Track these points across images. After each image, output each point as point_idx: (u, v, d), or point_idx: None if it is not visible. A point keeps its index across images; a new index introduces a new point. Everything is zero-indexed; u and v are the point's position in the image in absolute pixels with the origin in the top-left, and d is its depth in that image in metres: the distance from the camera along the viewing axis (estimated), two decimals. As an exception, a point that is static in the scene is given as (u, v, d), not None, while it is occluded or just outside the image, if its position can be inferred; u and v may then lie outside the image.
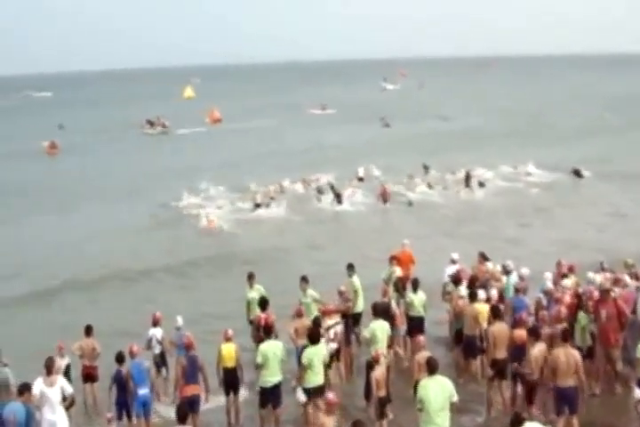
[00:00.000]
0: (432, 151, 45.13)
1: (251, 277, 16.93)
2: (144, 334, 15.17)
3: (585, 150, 45.16)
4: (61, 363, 13.63)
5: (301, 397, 12.97)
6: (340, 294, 15.94)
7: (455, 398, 10.88)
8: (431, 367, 11.03)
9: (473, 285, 15.93)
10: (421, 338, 13.22)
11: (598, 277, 15.38)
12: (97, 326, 15.10)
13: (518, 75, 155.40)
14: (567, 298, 14.55)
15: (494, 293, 15.76)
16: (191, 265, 25.40)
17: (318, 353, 12.99)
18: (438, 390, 10.82)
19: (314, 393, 12.73)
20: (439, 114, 71.22)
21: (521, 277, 16.10)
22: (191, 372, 12.84)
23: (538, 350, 12.49)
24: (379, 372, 12.42)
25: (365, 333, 14.37)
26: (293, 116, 75.72)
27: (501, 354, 13.33)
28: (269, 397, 13.13)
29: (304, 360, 12.89)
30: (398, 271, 17.85)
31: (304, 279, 16.36)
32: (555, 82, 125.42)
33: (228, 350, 13.44)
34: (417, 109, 77.45)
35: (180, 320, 14.96)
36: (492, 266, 17.36)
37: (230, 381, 13.52)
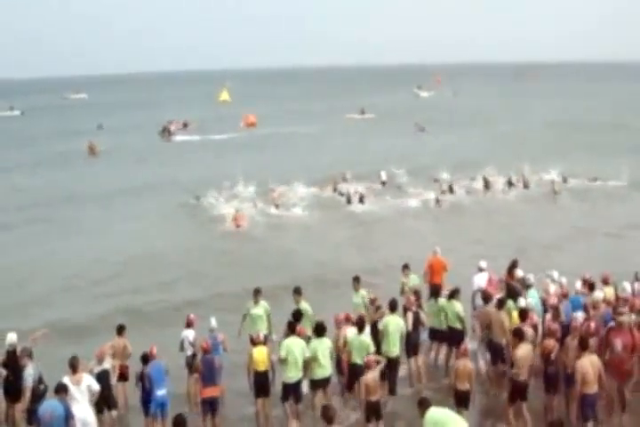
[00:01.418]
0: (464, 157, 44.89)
1: (257, 293, 15.97)
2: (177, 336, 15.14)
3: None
4: (100, 368, 13.32)
5: (305, 388, 13.59)
6: (372, 302, 15.74)
7: None
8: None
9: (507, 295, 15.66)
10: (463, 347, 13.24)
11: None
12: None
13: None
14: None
15: (524, 303, 15.15)
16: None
17: (322, 346, 13.29)
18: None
19: (319, 385, 13.37)
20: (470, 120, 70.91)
21: (561, 286, 16.01)
22: (209, 374, 13.01)
23: (522, 350, 12.69)
24: (370, 377, 12.39)
25: (379, 326, 14.54)
26: (331, 121, 75.37)
27: (523, 376, 12.82)
28: (291, 392, 13.33)
29: (309, 353, 13.17)
30: (414, 280, 17.36)
31: (356, 279, 16.34)
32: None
33: (260, 353, 13.46)
34: (450, 116, 77.06)
35: (213, 322, 14.86)
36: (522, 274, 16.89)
37: (261, 384, 13.49)
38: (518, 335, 13.00)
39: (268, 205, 33.71)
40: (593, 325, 13.65)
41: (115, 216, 34.03)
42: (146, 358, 13.21)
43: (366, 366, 12.60)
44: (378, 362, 12.86)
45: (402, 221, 31.54)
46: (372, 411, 12.45)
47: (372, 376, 12.43)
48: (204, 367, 13.11)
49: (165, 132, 66.28)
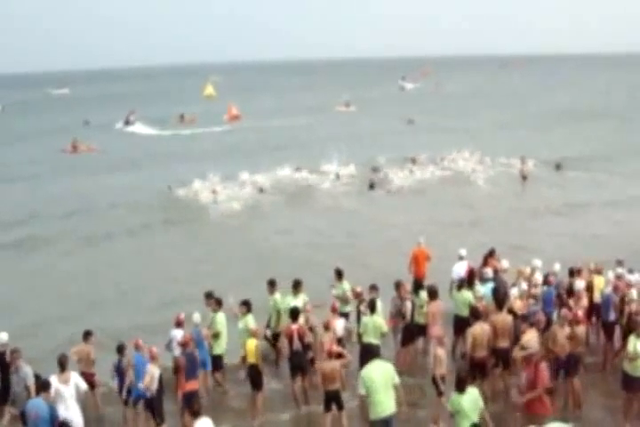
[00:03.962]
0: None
1: (297, 285, 15.96)
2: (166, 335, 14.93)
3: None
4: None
5: None
6: (356, 295, 15.83)
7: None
8: None
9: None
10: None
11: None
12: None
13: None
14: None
15: (515, 291, 15.29)
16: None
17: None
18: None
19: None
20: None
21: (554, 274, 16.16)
22: (191, 368, 13.08)
23: (477, 329, 13.45)
24: (328, 366, 12.51)
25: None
26: (320, 114, 75.02)
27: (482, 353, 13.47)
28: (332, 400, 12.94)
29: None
30: (345, 288, 16.67)
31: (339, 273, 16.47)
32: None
33: (250, 346, 13.58)
34: (434, 107, 76.91)
35: (197, 317, 14.59)
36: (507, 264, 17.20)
37: (252, 377, 13.63)
38: (474, 314, 13.78)
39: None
40: (580, 313, 13.86)
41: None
42: (121, 349, 13.26)
43: (328, 355, 12.72)
44: (341, 355, 12.86)
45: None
46: (332, 400, 12.56)
47: (330, 366, 12.49)
48: (186, 362, 13.06)
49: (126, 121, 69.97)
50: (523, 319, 14.00)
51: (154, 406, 12.78)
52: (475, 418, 10.79)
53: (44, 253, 26.76)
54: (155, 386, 12.65)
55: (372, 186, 36.14)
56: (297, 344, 13.94)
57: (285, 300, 15.69)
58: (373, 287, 15.28)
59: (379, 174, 37.75)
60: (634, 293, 15.00)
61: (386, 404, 11.31)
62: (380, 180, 36.94)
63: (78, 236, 28.87)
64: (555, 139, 49.79)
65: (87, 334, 14.02)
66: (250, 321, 14.25)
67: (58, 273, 24.36)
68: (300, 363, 14.00)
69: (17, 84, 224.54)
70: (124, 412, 13.55)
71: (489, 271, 16.48)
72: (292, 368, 14.05)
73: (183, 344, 13.39)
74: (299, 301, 15.51)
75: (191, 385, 13.08)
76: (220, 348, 14.79)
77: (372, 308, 14.25)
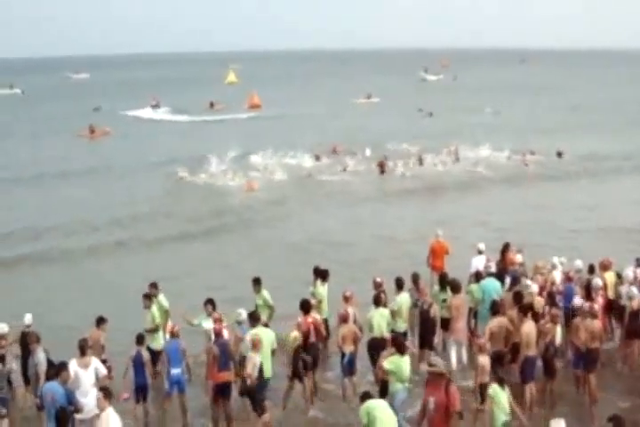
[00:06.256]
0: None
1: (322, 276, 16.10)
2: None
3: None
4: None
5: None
6: (346, 299, 14.79)
7: None
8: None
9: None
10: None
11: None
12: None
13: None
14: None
15: (535, 287, 15.14)
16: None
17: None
18: None
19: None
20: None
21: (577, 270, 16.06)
22: (223, 359, 12.75)
23: (497, 322, 13.46)
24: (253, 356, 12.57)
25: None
26: (337, 105, 74.61)
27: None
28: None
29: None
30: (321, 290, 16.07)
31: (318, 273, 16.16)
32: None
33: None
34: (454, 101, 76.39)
35: (243, 314, 13.89)
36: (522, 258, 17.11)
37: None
38: (493, 309, 13.77)
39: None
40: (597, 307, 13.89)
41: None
42: (140, 340, 13.04)
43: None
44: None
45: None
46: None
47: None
48: (219, 352, 12.75)
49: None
50: (520, 309, 13.72)
51: (255, 395, 12.46)
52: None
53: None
54: (256, 375, 12.34)
55: (382, 171, 37.29)
56: (312, 337, 13.75)
57: (318, 290, 15.74)
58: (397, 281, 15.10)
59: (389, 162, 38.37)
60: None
61: None
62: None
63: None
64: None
65: (100, 320, 13.83)
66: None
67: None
68: (315, 356, 13.85)
69: (37, 68, 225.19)
70: (133, 409, 13.07)
71: (492, 265, 16.35)
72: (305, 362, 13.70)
73: (216, 334, 13.06)
74: (324, 289, 15.75)
75: (224, 376, 12.80)
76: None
77: (377, 301, 14.27)
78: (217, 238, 26.77)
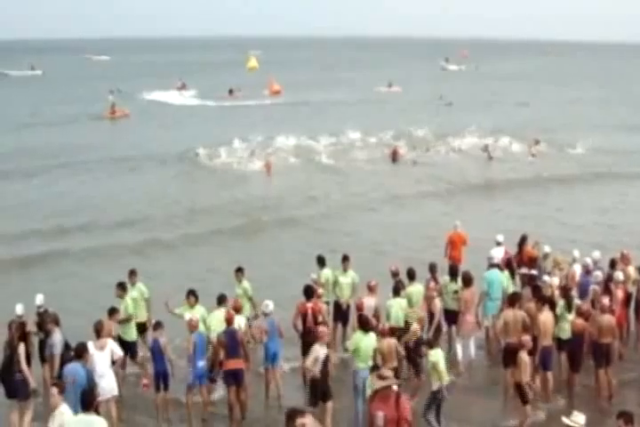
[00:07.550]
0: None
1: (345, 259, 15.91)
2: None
3: None
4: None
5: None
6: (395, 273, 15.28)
7: None
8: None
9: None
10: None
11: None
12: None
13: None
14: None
15: (556, 280, 15.09)
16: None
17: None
18: None
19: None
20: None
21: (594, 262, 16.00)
22: (232, 346, 12.79)
23: (512, 313, 13.36)
24: (384, 344, 12.53)
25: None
26: (360, 93, 74.14)
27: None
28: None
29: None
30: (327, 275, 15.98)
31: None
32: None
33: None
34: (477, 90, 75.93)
35: (270, 305, 13.66)
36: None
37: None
38: (510, 300, 13.69)
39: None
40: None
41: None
42: (157, 327, 12.87)
43: (382, 334, 12.64)
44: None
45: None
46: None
47: (386, 344, 12.49)
48: (227, 339, 12.81)
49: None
50: (539, 300, 13.78)
51: (317, 386, 12.16)
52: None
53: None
54: (318, 367, 12.04)
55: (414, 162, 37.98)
56: (310, 322, 13.77)
57: (335, 275, 15.68)
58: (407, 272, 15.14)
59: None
60: None
61: None
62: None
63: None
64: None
65: (112, 311, 13.53)
66: None
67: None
68: (313, 342, 13.54)
69: (58, 49, 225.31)
70: (155, 399, 13.02)
71: (494, 257, 16.27)
72: (303, 346, 13.75)
73: (227, 321, 13.02)
74: (347, 278, 15.61)
75: (234, 363, 12.78)
76: None
77: (396, 290, 14.37)
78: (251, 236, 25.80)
